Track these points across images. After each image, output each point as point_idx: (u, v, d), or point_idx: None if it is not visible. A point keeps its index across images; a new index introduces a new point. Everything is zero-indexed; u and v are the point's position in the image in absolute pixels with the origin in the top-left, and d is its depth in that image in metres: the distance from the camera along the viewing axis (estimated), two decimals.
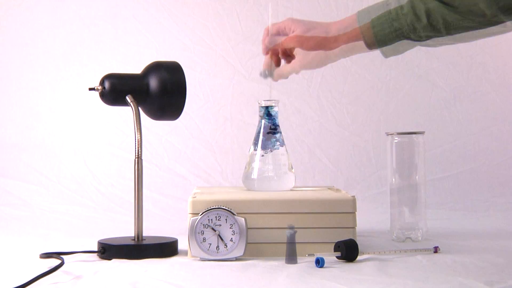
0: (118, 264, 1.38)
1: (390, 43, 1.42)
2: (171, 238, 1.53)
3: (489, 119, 2.39)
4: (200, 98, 2.38)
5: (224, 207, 1.41)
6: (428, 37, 1.42)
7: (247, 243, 1.41)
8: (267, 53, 1.54)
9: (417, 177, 1.68)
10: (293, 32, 1.49)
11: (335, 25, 1.47)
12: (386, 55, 1.48)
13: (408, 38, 1.42)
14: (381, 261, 1.39)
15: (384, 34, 1.41)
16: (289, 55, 1.56)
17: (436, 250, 1.49)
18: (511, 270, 1.31)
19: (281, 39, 1.51)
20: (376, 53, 1.49)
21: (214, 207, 1.41)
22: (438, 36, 1.41)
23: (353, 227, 1.46)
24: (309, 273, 1.29)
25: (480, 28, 1.38)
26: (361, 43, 1.42)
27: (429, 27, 1.37)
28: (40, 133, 2.35)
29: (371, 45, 1.43)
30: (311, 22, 1.50)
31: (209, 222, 1.41)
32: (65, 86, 2.38)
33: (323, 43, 1.47)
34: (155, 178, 2.29)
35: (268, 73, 1.51)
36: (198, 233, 1.41)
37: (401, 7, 1.38)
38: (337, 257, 1.40)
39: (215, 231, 1.41)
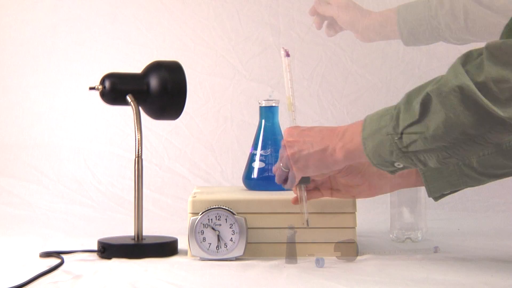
0: (118, 264, 1.38)
1: (426, 42, 1.43)
2: (171, 237, 1.53)
3: None
4: (200, 98, 2.38)
5: (224, 207, 1.41)
6: (465, 41, 1.41)
7: (247, 243, 1.40)
8: (313, 14, 1.62)
9: None
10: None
11: (374, 15, 1.50)
12: (407, 43, 1.47)
13: (445, 39, 1.41)
14: (381, 261, 1.39)
15: (420, 31, 1.41)
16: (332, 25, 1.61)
17: (436, 250, 1.49)
18: (511, 270, 1.31)
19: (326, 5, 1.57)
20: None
21: (214, 207, 1.41)
22: (474, 41, 1.40)
23: (353, 227, 1.46)
24: (309, 273, 1.28)
25: None
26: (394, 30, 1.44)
27: (465, 29, 1.36)
28: (40, 133, 2.35)
29: (407, 42, 1.44)
30: (354, 3, 1.55)
31: (209, 221, 1.41)
32: (65, 86, 2.38)
33: (355, 23, 1.51)
34: (155, 177, 2.29)
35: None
36: (198, 232, 1.41)
37: (442, 5, 1.37)
38: (337, 257, 1.40)
39: (215, 230, 1.41)
